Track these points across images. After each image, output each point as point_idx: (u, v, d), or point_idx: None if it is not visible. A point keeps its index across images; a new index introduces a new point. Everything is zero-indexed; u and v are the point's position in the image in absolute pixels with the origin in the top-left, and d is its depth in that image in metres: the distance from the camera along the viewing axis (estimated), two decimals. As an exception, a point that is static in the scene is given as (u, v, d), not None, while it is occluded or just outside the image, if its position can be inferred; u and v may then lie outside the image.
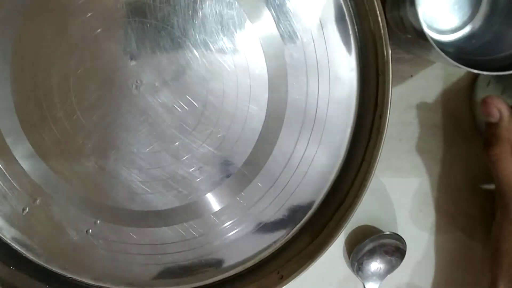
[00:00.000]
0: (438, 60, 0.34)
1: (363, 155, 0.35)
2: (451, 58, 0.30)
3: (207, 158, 0.35)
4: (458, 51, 0.34)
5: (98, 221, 0.36)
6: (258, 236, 0.37)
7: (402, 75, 0.41)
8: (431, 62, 0.40)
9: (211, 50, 0.33)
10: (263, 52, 0.34)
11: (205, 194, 0.36)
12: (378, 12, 0.32)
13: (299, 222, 0.37)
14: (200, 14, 0.33)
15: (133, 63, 0.33)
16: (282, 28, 0.34)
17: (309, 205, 0.37)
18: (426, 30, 0.29)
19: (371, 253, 0.42)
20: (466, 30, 0.35)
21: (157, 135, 0.34)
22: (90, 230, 0.36)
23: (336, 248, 0.43)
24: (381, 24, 0.32)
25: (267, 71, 0.34)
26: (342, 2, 0.34)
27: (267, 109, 0.35)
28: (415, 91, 0.41)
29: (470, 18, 0.35)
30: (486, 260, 0.43)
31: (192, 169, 0.35)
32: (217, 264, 0.37)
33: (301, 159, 0.36)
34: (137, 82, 0.33)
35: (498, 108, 0.35)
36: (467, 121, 0.42)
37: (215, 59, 0.33)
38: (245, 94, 0.34)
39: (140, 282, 0.37)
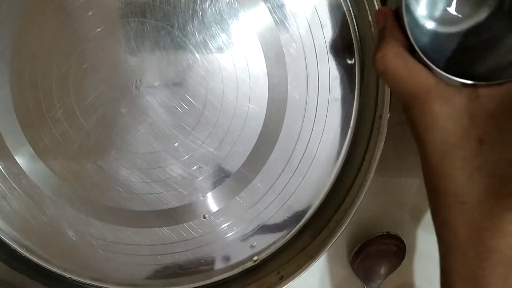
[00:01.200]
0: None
1: (363, 155, 0.35)
2: (450, 53, 0.30)
3: (207, 158, 0.35)
4: (459, 46, 0.34)
5: (97, 221, 0.36)
6: (257, 236, 0.37)
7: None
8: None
9: (210, 50, 0.33)
10: (263, 51, 0.34)
11: (205, 194, 0.36)
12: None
13: (299, 222, 0.37)
14: (200, 14, 0.33)
15: (133, 62, 0.33)
16: (282, 28, 0.34)
17: (309, 205, 0.37)
18: (413, 42, 0.28)
19: (371, 253, 0.42)
20: (470, 22, 0.33)
21: (157, 135, 0.34)
22: (89, 230, 0.36)
23: (336, 248, 0.43)
24: (381, 24, 0.32)
25: (267, 70, 0.34)
26: (342, 2, 0.34)
27: (267, 109, 0.35)
28: (415, 91, 0.41)
29: (475, 10, 0.33)
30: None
31: (192, 169, 0.35)
32: (216, 264, 0.37)
33: (301, 159, 0.36)
34: (136, 82, 0.33)
35: (383, 12, 0.29)
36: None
37: (215, 59, 0.33)
38: (245, 94, 0.34)
39: (140, 283, 0.37)
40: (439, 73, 0.27)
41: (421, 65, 0.27)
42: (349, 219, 0.34)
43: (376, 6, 0.32)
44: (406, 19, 0.27)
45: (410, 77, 0.27)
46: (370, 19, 0.33)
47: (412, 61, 0.27)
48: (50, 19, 0.32)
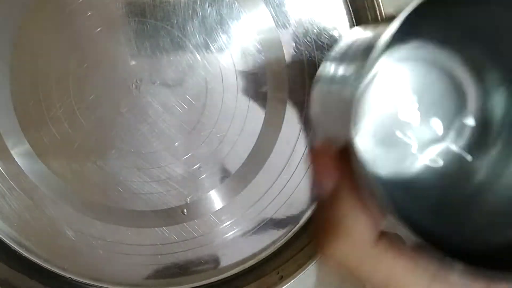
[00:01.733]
0: None
1: (363, 155, 0.35)
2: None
3: (207, 158, 0.35)
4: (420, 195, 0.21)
5: (97, 221, 0.36)
6: (257, 236, 0.37)
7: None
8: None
9: (210, 50, 0.33)
10: (263, 52, 0.34)
11: (205, 194, 0.36)
12: (377, 10, 0.32)
13: (299, 222, 0.37)
14: (200, 14, 0.33)
15: (133, 62, 0.33)
16: (281, 28, 0.34)
17: (308, 205, 0.37)
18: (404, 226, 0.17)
19: (371, 253, 0.42)
20: (435, 151, 0.20)
21: (157, 135, 0.34)
22: (89, 230, 0.36)
23: (336, 248, 0.43)
24: (380, 24, 0.32)
25: (267, 70, 0.34)
26: (341, 1, 0.34)
27: (266, 109, 0.35)
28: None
29: (444, 133, 0.20)
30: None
31: (192, 169, 0.35)
32: (216, 264, 0.37)
33: (300, 159, 0.36)
34: (136, 81, 0.33)
35: (330, 160, 0.19)
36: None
37: (215, 58, 0.33)
38: (245, 94, 0.34)
39: (140, 283, 0.37)
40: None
41: (408, 262, 0.19)
42: (349, 218, 0.34)
43: (376, 4, 0.32)
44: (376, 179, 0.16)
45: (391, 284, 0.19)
46: (370, 17, 0.33)
47: (391, 262, 0.19)
48: (50, 19, 0.32)
